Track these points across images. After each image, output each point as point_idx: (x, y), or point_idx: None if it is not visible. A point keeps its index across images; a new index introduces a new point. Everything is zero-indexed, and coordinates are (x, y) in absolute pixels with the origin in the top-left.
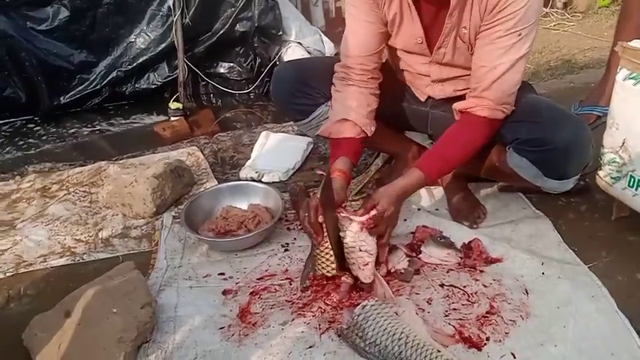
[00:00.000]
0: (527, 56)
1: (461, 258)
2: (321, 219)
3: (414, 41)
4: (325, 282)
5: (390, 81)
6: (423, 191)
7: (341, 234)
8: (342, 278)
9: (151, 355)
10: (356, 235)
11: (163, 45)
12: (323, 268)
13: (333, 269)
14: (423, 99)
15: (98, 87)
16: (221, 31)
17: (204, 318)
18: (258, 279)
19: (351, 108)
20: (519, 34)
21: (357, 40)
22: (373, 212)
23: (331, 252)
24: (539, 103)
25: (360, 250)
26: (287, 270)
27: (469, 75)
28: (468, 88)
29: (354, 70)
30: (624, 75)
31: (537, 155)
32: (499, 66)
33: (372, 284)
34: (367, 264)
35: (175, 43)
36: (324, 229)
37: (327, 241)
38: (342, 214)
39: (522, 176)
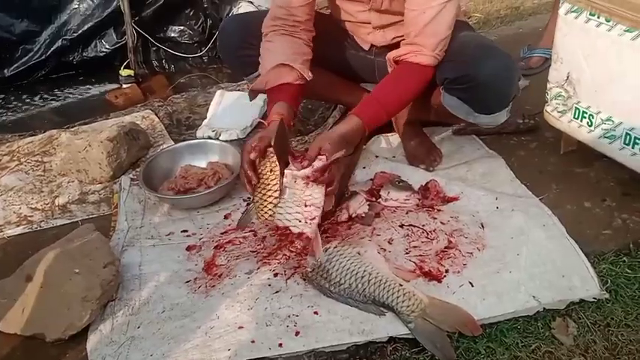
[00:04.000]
0: (457, 1)
1: (419, 199)
2: (252, 155)
3: None
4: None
5: (334, 32)
6: (380, 139)
7: (286, 189)
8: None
9: (119, 313)
10: (301, 191)
11: (109, 10)
12: (262, 214)
13: (271, 216)
14: (366, 47)
15: (43, 57)
16: None
17: (169, 273)
18: (221, 233)
19: (286, 54)
20: None
21: None
22: (318, 163)
23: (268, 198)
24: (466, 41)
25: (306, 206)
26: (251, 222)
27: None
28: None
29: (286, 21)
30: (566, 9)
31: (465, 93)
32: (428, 10)
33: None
34: (314, 218)
35: (121, 7)
36: (262, 175)
37: (263, 189)
38: (286, 170)
39: (456, 115)
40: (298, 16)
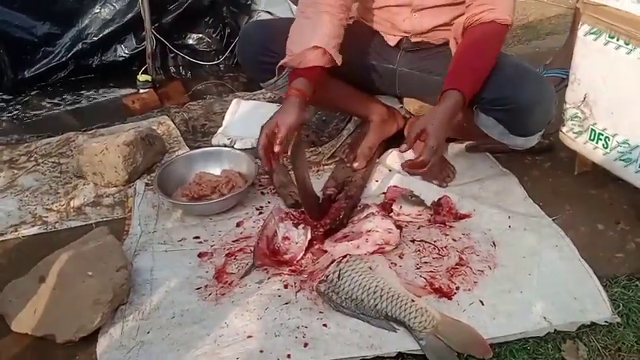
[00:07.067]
0: None
1: (431, 215)
2: (277, 148)
3: None
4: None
5: (355, 42)
6: (394, 153)
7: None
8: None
9: (129, 317)
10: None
11: (130, 15)
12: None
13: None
14: (393, 43)
15: (63, 60)
16: (189, 1)
17: (180, 280)
18: (233, 241)
19: (322, 35)
20: None
21: None
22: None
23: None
24: (503, 61)
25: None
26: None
27: (451, 5)
28: (446, 24)
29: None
30: (585, 31)
31: (502, 114)
32: None
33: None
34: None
35: (142, 13)
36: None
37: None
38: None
39: (490, 135)
40: None
